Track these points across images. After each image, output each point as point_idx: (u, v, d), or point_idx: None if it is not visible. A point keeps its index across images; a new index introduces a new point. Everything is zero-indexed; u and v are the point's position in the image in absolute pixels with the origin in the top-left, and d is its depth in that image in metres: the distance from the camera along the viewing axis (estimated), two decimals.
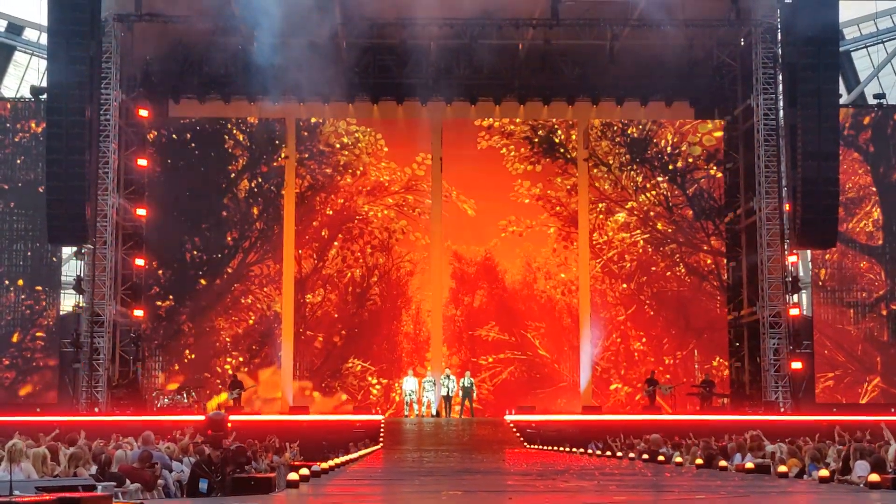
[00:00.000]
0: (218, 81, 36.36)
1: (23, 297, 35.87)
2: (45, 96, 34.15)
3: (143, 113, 35.95)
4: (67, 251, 36.36)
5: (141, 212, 35.91)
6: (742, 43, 36.05)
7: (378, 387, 36.25)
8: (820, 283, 36.65)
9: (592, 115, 37.53)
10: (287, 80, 35.94)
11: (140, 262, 35.87)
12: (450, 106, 36.57)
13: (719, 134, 37.47)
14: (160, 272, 36.76)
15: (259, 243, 37.25)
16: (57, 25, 31.09)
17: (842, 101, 36.20)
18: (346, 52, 36.08)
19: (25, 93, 38.52)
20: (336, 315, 37.12)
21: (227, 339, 36.66)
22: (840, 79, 35.25)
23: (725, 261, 37.06)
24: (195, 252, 37.19)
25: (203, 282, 37.06)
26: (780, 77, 33.76)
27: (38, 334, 35.73)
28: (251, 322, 36.87)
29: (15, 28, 40.68)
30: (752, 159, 35.16)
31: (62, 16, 30.88)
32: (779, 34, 33.85)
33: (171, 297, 36.77)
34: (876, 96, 38.51)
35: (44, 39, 36.29)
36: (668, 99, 36.95)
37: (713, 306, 37.35)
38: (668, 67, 35.79)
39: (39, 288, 35.94)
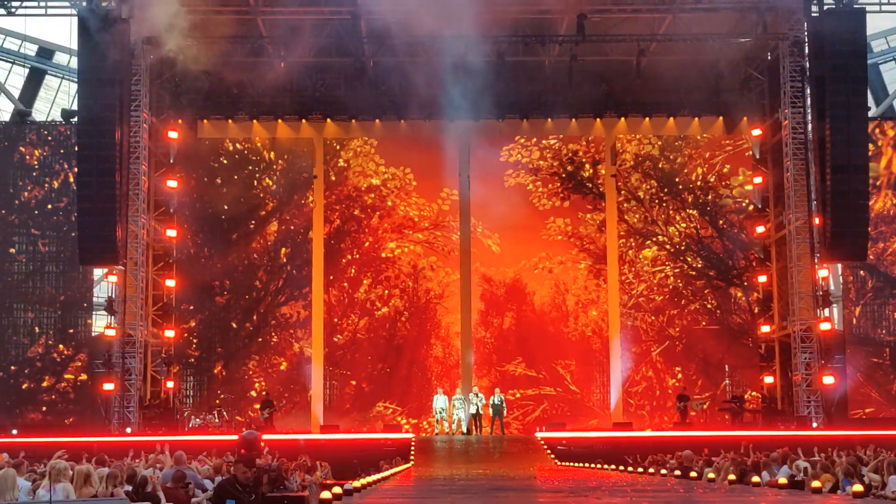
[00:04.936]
0: (246, 102, 36.63)
1: (51, 343, 36.33)
2: (75, 119, 34.51)
3: (173, 135, 36.24)
4: (99, 272, 36.68)
5: (171, 232, 36.13)
6: (769, 57, 35.98)
7: (407, 427, 36.11)
8: (854, 322, 36.51)
9: (619, 131, 37.50)
10: (315, 100, 36.19)
11: (170, 282, 36.10)
12: (477, 123, 36.56)
13: (750, 187, 37.21)
14: (191, 323, 37.06)
15: (287, 286, 37.42)
16: (87, 49, 31.40)
17: (870, 113, 36.09)
18: (373, 71, 36.26)
19: (56, 116, 38.93)
20: (365, 344, 37.19)
21: (258, 385, 36.79)
22: (868, 91, 35.11)
23: (756, 279, 36.73)
24: (225, 294, 37.40)
25: (234, 325, 37.27)
26: (809, 90, 33.65)
27: (67, 376, 36.23)
28: (283, 368, 37.02)
29: (46, 52, 41.04)
30: (781, 173, 35.07)
31: (91, 39, 31.18)
32: (806, 47, 33.74)
33: (201, 342, 37.08)
34: None
35: (74, 63, 36.64)
36: (695, 113, 36.90)
37: (745, 341, 37.09)
38: (695, 82, 35.84)
39: (71, 330, 36.56)
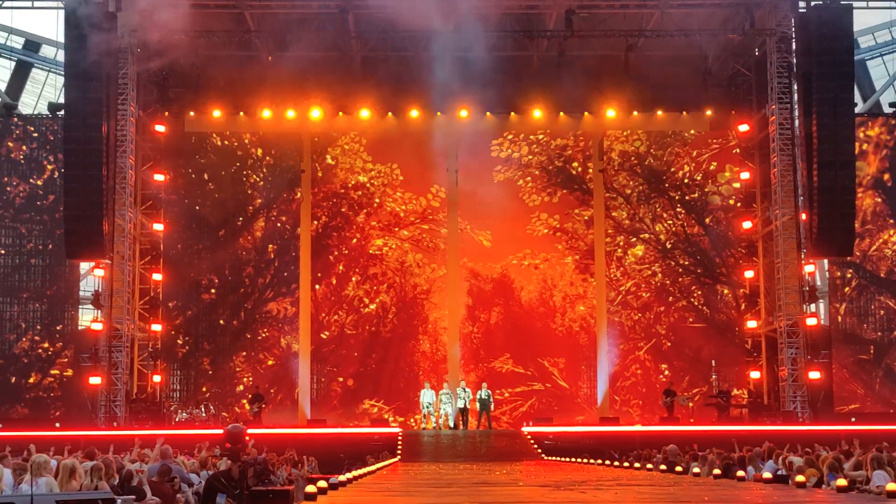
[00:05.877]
0: (234, 95, 36.54)
1: (37, 339, 36.25)
2: (62, 113, 34.42)
3: (160, 128, 36.16)
4: (85, 266, 36.61)
5: (158, 226, 36.07)
6: (757, 53, 36.06)
7: (395, 424, 35.99)
8: (839, 319, 36.65)
9: (607, 126, 37.47)
10: (302, 93, 36.12)
11: (157, 276, 36.04)
12: (465, 118, 36.47)
13: (737, 184, 37.31)
14: (178, 319, 37.00)
15: (275, 282, 37.36)
16: (74, 42, 31.32)
17: (857, 109, 36.22)
18: (362, 65, 36.24)
19: (43, 109, 38.82)
20: (352, 340, 37.16)
21: (245, 380, 36.72)
22: (855, 87, 35.23)
23: (743, 275, 36.78)
24: (213, 290, 37.32)
25: (221, 322, 37.21)
26: (796, 86, 33.73)
27: (54, 371, 36.18)
28: (270, 363, 36.95)
29: (32, 45, 40.91)
30: (768, 169, 35.15)
31: (78, 33, 31.09)
32: (793, 43, 33.82)
33: (188, 338, 37.02)
34: (892, 104, 38.47)
35: (61, 56, 36.56)
36: (682, 109, 36.96)
37: (732, 338, 37.10)
38: (682, 78, 35.91)
39: (58, 327, 36.53)
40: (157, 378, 35.39)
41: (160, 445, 17.42)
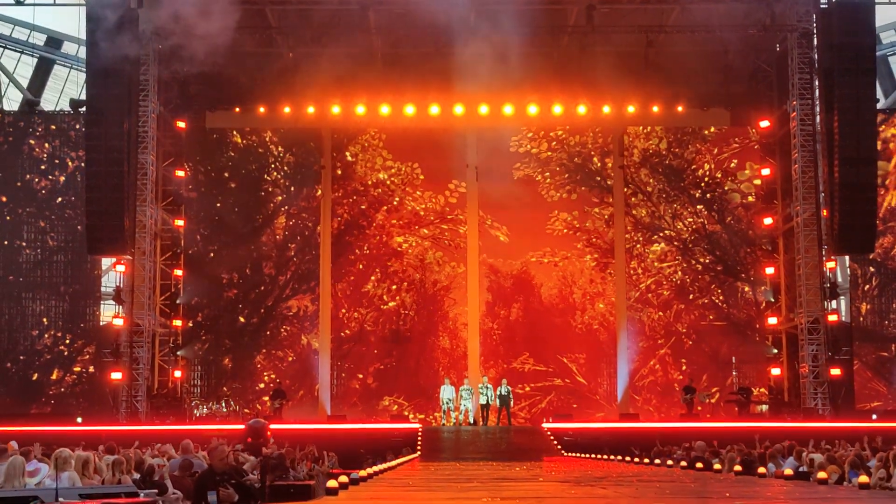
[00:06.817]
0: (254, 92, 36.59)
1: (59, 335, 36.44)
2: (84, 109, 34.58)
3: (181, 125, 36.29)
4: (107, 262, 36.79)
5: (179, 223, 36.20)
6: (778, 48, 35.93)
7: (415, 421, 35.97)
8: (861, 317, 36.49)
9: (627, 122, 37.41)
10: (323, 90, 36.14)
11: (178, 272, 36.17)
12: (484, 113, 36.44)
13: (758, 181, 37.22)
14: (199, 315, 37.11)
15: (295, 279, 37.42)
16: (95, 39, 31.44)
17: (879, 105, 36.02)
18: (382, 61, 36.27)
19: (65, 106, 39.01)
20: (372, 338, 37.21)
21: (266, 377, 36.81)
22: (877, 83, 35.05)
23: (763, 272, 36.66)
24: (233, 288, 37.40)
25: (242, 319, 37.29)
26: (817, 82, 33.59)
27: (76, 368, 36.35)
28: (290, 360, 37.03)
29: (54, 42, 41.08)
30: (789, 165, 35.02)
31: (100, 30, 31.21)
32: (815, 39, 33.68)
33: (210, 334, 37.12)
34: None
35: (83, 53, 36.69)
36: (703, 105, 36.83)
37: (752, 337, 36.93)
38: (703, 73, 35.79)
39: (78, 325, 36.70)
40: (177, 373, 35.52)
41: (168, 447, 17.56)
